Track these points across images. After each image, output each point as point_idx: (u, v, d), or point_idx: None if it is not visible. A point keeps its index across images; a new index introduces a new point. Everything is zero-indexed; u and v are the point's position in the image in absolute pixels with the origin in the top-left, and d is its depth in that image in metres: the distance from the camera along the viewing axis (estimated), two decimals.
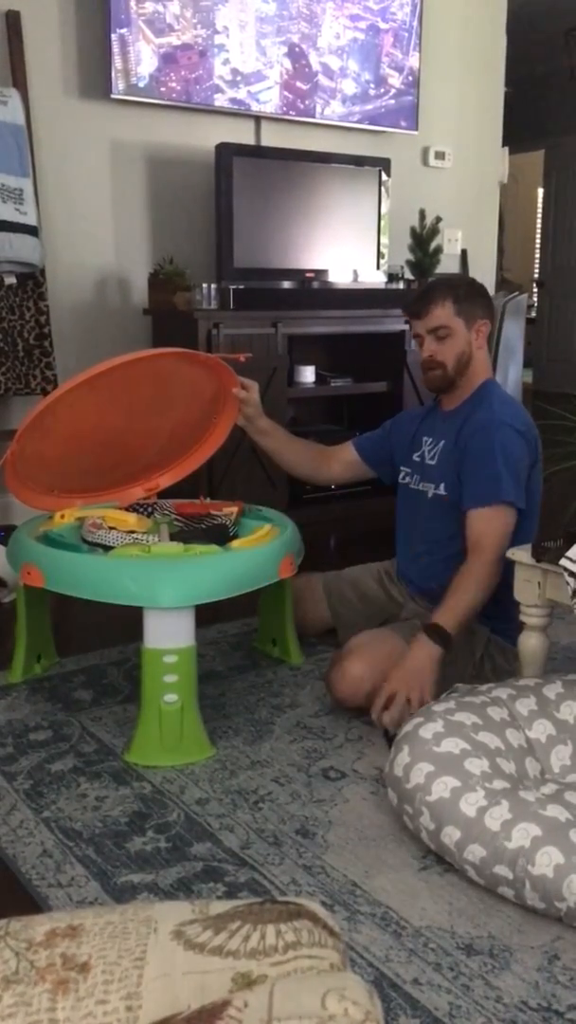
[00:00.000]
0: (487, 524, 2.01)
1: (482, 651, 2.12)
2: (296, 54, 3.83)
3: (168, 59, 3.50)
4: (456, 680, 2.03)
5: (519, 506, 2.04)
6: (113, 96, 3.43)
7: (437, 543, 2.17)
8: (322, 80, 3.95)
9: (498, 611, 2.10)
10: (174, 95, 3.56)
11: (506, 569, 2.05)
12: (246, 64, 3.72)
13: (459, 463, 2.10)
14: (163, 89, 3.52)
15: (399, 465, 2.32)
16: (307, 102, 3.93)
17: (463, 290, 2.17)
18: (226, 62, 3.67)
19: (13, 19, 3.27)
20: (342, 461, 2.43)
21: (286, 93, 3.84)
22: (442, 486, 2.15)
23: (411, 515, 2.26)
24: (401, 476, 2.31)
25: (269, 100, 3.82)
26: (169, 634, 1.83)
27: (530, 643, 2.05)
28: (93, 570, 1.86)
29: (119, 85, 3.42)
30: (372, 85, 4.11)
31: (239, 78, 3.71)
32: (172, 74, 3.52)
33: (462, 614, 1.95)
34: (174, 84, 3.54)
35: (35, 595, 2.16)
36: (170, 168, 3.72)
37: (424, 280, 4.07)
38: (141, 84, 3.47)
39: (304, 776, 1.81)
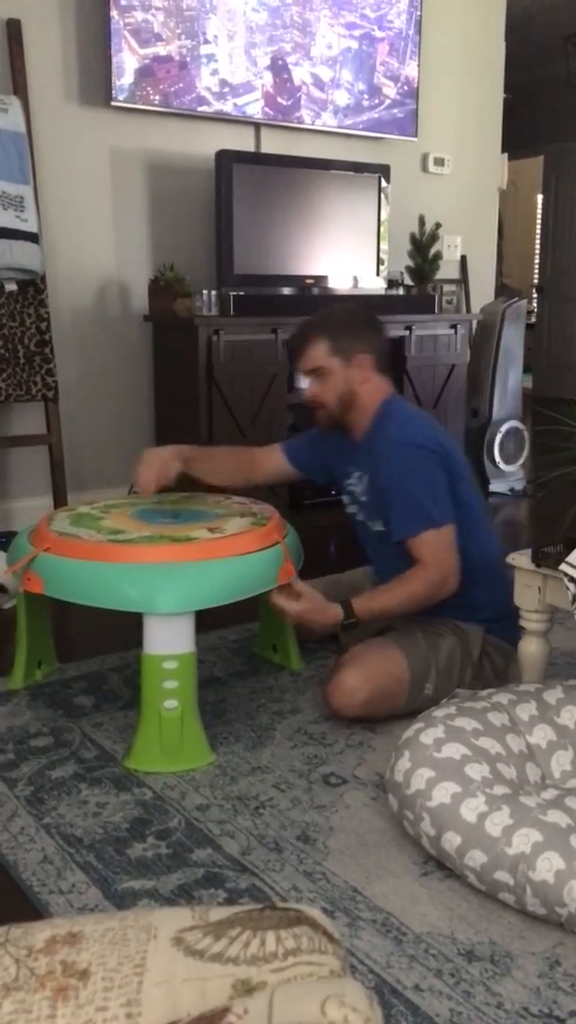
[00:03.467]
0: (426, 549, 1.98)
1: (479, 651, 2.11)
2: (278, 67, 3.80)
3: (145, 72, 3.48)
4: (459, 681, 2.04)
5: (448, 521, 1.99)
6: (113, 104, 3.45)
7: (401, 558, 2.10)
8: (313, 91, 3.93)
9: (490, 611, 2.11)
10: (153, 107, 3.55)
11: (486, 568, 2.09)
12: (235, 75, 3.71)
13: (382, 495, 2.05)
14: (140, 103, 3.51)
15: (339, 482, 2.27)
16: (295, 115, 3.91)
17: (338, 327, 2.10)
18: (214, 73, 3.65)
19: (14, 27, 3.28)
20: (270, 467, 2.35)
21: (267, 109, 3.83)
22: (380, 523, 2.09)
23: (371, 546, 2.23)
24: (345, 505, 2.26)
25: (254, 114, 3.80)
26: (169, 640, 1.83)
27: (530, 648, 2.06)
28: (93, 576, 1.86)
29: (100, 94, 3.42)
30: (366, 95, 4.11)
31: (227, 89, 3.69)
32: (149, 88, 3.50)
33: (377, 610, 2.01)
34: (154, 97, 3.52)
35: (35, 601, 2.16)
36: (170, 175, 3.73)
37: (424, 287, 4.08)
38: (121, 96, 3.47)
39: (305, 782, 1.81)
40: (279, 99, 3.83)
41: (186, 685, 1.85)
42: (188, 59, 3.58)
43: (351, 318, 2.15)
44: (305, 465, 2.34)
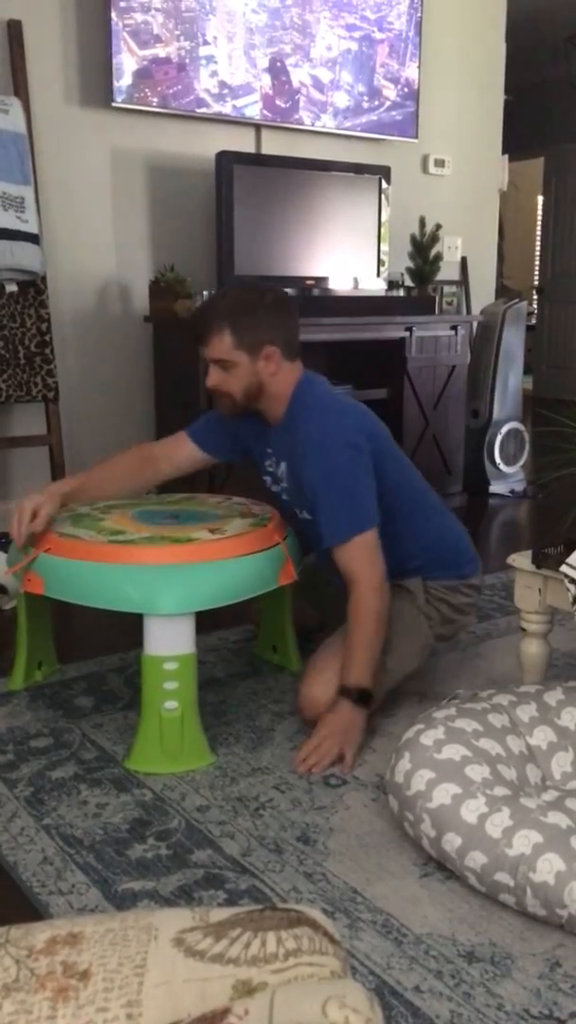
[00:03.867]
0: (351, 558, 1.93)
1: (424, 598, 2.12)
2: (277, 69, 3.79)
3: (143, 73, 3.47)
4: (415, 633, 2.08)
5: (375, 523, 1.95)
6: (113, 105, 3.45)
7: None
8: (313, 93, 3.93)
9: (430, 556, 2.14)
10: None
11: (429, 513, 2.15)
12: (234, 76, 3.71)
13: (306, 492, 2.00)
14: (138, 105, 3.50)
15: (256, 462, 2.21)
16: (294, 117, 3.91)
17: (245, 318, 1.95)
18: (213, 74, 3.65)
19: (15, 28, 3.28)
20: (177, 459, 2.22)
21: (266, 111, 3.82)
22: (305, 512, 2.05)
23: (299, 529, 2.13)
24: (267, 484, 2.20)
25: (253, 116, 3.80)
26: (170, 641, 1.83)
27: (531, 649, 2.06)
28: (93, 577, 1.86)
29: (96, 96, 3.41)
30: (365, 97, 4.11)
31: (226, 91, 3.69)
32: (147, 89, 3.50)
33: (370, 661, 1.92)
34: (152, 98, 3.52)
35: (35, 602, 2.16)
36: (171, 176, 3.73)
37: (424, 289, 4.08)
38: (119, 98, 3.46)
39: (305, 783, 1.81)
40: (277, 101, 3.83)
41: (186, 686, 1.85)
42: (187, 60, 3.57)
43: (258, 306, 1.97)
44: (217, 448, 2.23)
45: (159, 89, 3.52)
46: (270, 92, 3.80)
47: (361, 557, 1.93)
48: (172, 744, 1.85)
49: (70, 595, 1.89)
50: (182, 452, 2.22)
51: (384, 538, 1.98)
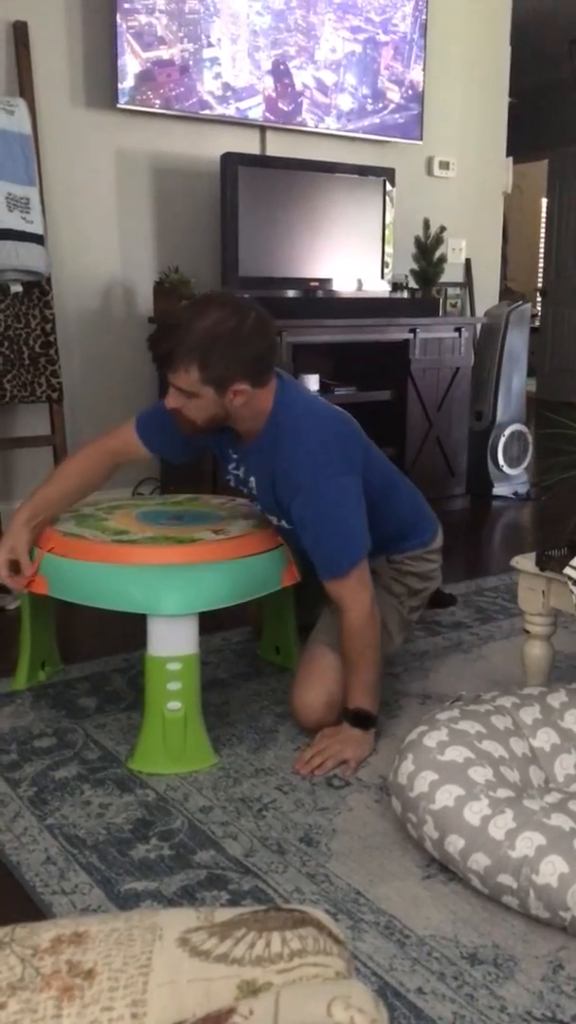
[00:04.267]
0: (345, 587, 1.90)
1: (389, 578, 2.13)
2: (280, 72, 3.79)
3: (145, 76, 3.47)
4: (389, 612, 2.09)
5: (368, 545, 1.93)
6: (118, 106, 3.46)
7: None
8: (317, 96, 3.92)
9: (394, 531, 2.13)
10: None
11: (401, 500, 2.15)
12: (238, 79, 3.70)
13: (295, 521, 1.93)
14: (141, 106, 3.50)
15: (216, 458, 2.14)
16: (297, 120, 3.91)
17: (214, 354, 1.76)
18: (217, 76, 3.64)
19: (20, 29, 3.29)
20: (129, 453, 2.09)
21: (268, 113, 3.82)
22: (284, 522, 1.99)
23: (274, 528, 2.06)
24: (231, 482, 2.11)
25: (256, 118, 3.79)
26: (173, 641, 1.83)
27: (534, 651, 2.06)
28: (97, 577, 1.86)
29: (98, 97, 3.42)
30: (369, 100, 4.11)
31: (229, 93, 3.69)
32: (149, 92, 3.50)
33: (369, 684, 1.92)
34: (154, 100, 3.51)
35: (39, 602, 2.16)
36: (175, 177, 3.74)
37: (428, 291, 4.08)
38: (122, 100, 3.46)
39: (308, 784, 1.81)
40: (280, 104, 3.83)
41: (189, 687, 1.85)
42: (191, 62, 3.58)
43: (233, 339, 1.77)
44: (164, 449, 2.12)
45: (161, 91, 3.52)
46: (273, 95, 3.80)
47: (353, 586, 1.91)
48: (175, 745, 1.85)
49: (74, 595, 1.89)
50: (131, 447, 2.07)
51: (374, 538, 1.98)
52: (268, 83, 3.78)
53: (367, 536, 1.94)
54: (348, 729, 1.90)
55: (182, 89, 3.57)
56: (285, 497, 1.92)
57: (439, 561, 2.25)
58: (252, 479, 2.01)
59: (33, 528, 1.98)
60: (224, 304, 1.81)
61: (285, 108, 3.84)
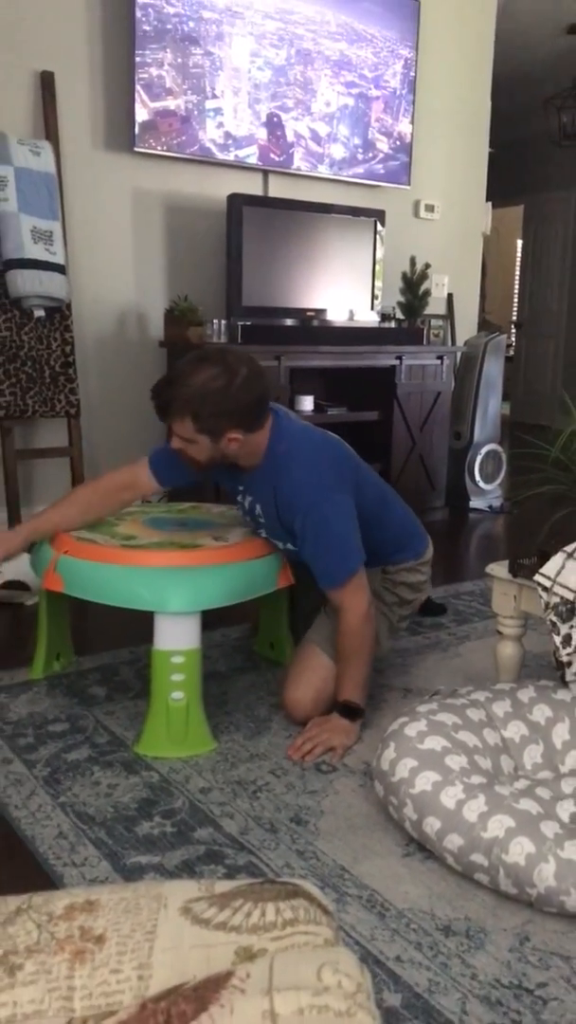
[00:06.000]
0: (343, 594, 1.90)
1: (380, 586, 2.11)
2: (273, 124, 3.77)
3: (148, 125, 3.47)
4: (379, 620, 2.06)
5: (363, 558, 1.92)
6: (135, 150, 3.47)
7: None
8: (311, 145, 3.92)
9: (390, 547, 2.12)
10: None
11: (395, 516, 2.12)
12: (239, 128, 3.69)
13: (296, 537, 1.93)
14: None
15: (225, 488, 2.12)
16: (291, 168, 3.90)
17: (206, 408, 1.77)
18: (220, 125, 3.64)
19: (47, 78, 3.30)
20: (140, 488, 2.06)
21: (259, 162, 3.80)
22: (289, 544, 1.99)
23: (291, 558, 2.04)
24: (239, 512, 2.11)
25: (253, 165, 3.78)
26: (177, 637, 1.83)
27: (506, 651, 2.06)
28: (109, 577, 1.86)
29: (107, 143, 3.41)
30: (360, 150, 4.12)
31: (230, 141, 3.68)
32: (152, 140, 3.49)
33: (360, 680, 1.91)
34: (156, 148, 3.50)
35: (55, 599, 2.16)
36: (186, 215, 3.75)
37: (413, 321, 4.09)
38: (138, 144, 3.45)
39: (298, 769, 1.81)
40: (272, 154, 3.82)
41: (192, 678, 1.85)
42: (195, 112, 3.57)
43: (223, 394, 1.78)
44: (176, 481, 2.08)
45: (163, 139, 3.51)
46: (266, 144, 3.80)
47: (350, 592, 1.91)
48: (178, 731, 1.85)
49: (87, 593, 1.89)
50: (142, 482, 2.05)
51: (370, 549, 1.97)
52: (262, 134, 3.78)
53: (361, 549, 1.93)
54: (337, 719, 1.90)
55: (184, 137, 3.56)
56: (287, 518, 1.93)
57: (429, 573, 2.24)
58: (257, 506, 2.00)
59: (29, 538, 2.02)
60: (216, 362, 1.81)
61: (276, 157, 3.84)
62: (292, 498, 1.89)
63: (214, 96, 3.62)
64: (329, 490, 1.89)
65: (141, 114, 3.45)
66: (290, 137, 3.85)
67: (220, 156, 3.67)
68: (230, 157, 3.70)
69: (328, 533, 1.89)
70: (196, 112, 3.57)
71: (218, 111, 3.63)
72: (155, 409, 1.85)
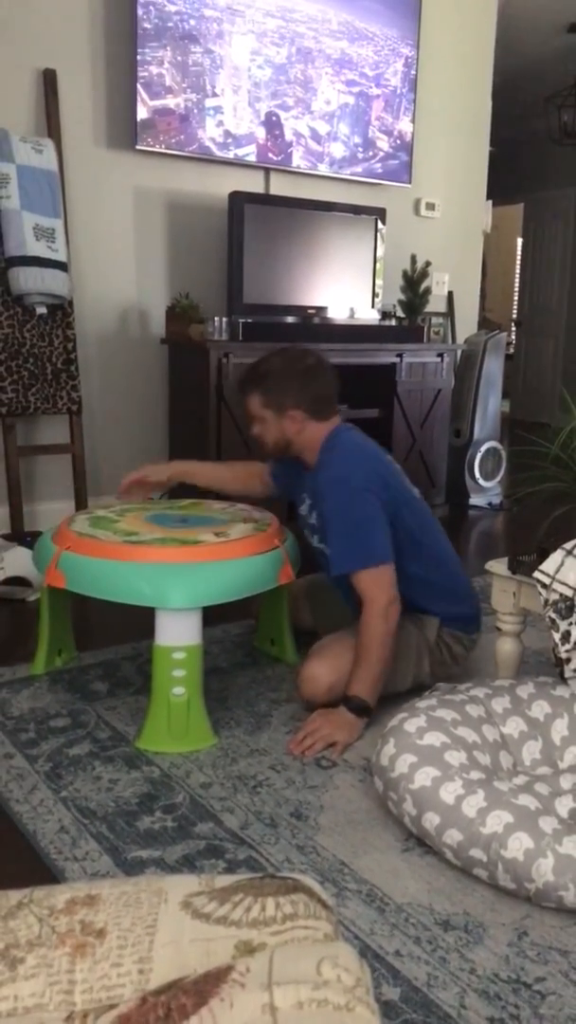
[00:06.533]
0: (365, 586, 1.91)
1: (436, 636, 2.09)
2: (271, 123, 3.75)
3: (147, 124, 3.45)
4: (416, 667, 2.06)
5: (385, 560, 1.92)
6: (137, 148, 3.46)
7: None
8: (311, 144, 3.90)
9: (444, 604, 2.10)
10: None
11: (445, 564, 2.10)
12: (239, 127, 3.68)
13: (325, 525, 2.00)
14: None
15: (297, 505, 2.21)
16: (291, 166, 3.88)
17: (271, 381, 2.02)
18: (220, 124, 3.61)
19: (49, 76, 3.29)
20: (264, 483, 2.32)
21: (257, 161, 3.79)
22: (324, 545, 2.03)
23: (326, 573, 2.08)
24: (300, 525, 2.19)
25: (253, 163, 3.77)
26: (178, 632, 1.83)
27: (505, 647, 2.06)
28: (110, 573, 1.86)
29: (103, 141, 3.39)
30: (360, 149, 4.11)
31: (230, 140, 3.66)
32: (150, 139, 3.47)
33: (372, 678, 1.89)
34: (154, 147, 3.49)
35: (57, 595, 2.16)
36: (187, 213, 3.74)
37: (414, 319, 4.09)
38: (139, 142, 3.43)
39: (299, 764, 1.81)
40: (270, 154, 3.81)
41: (193, 674, 1.85)
42: (195, 111, 3.55)
43: (287, 374, 2.03)
44: (281, 485, 2.29)
45: (161, 138, 3.50)
46: (264, 144, 3.78)
47: (371, 586, 1.90)
48: (179, 726, 1.85)
49: (89, 589, 1.89)
50: (265, 479, 2.31)
51: (406, 576, 1.97)
52: (261, 133, 3.77)
53: (384, 549, 1.92)
54: (344, 713, 1.89)
55: (182, 137, 3.54)
56: (320, 508, 1.99)
57: (470, 652, 2.18)
58: (313, 513, 2.07)
59: (174, 475, 2.30)
60: (289, 351, 2.10)
61: (275, 157, 3.83)
62: (323, 488, 1.97)
63: (214, 94, 3.61)
64: (354, 484, 1.95)
65: (141, 112, 3.44)
66: (289, 136, 3.84)
67: (219, 155, 3.66)
68: (229, 156, 3.70)
69: (344, 519, 1.92)
70: (196, 111, 3.56)
71: (218, 109, 3.62)
72: (239, 390, 2.11)
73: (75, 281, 3.38)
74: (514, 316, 8.54)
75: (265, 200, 3.76)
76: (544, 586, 1.75)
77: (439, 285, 4.67)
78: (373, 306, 4.04)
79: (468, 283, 4.90)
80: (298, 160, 3.90)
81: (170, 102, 3.49)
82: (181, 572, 1.84)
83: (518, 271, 8.45)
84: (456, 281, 4.80)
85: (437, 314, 4.38)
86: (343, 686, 1.93)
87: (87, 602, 2.01)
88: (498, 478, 4.49)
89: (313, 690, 1.95)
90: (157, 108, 3.47)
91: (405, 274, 4.08)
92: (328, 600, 2.32)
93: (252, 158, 3.77)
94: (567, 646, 1.72)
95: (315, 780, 1.75)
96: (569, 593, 1.72)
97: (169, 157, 3.61)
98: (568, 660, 1.73)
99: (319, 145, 3.95)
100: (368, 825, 1.60)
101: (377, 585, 1.90)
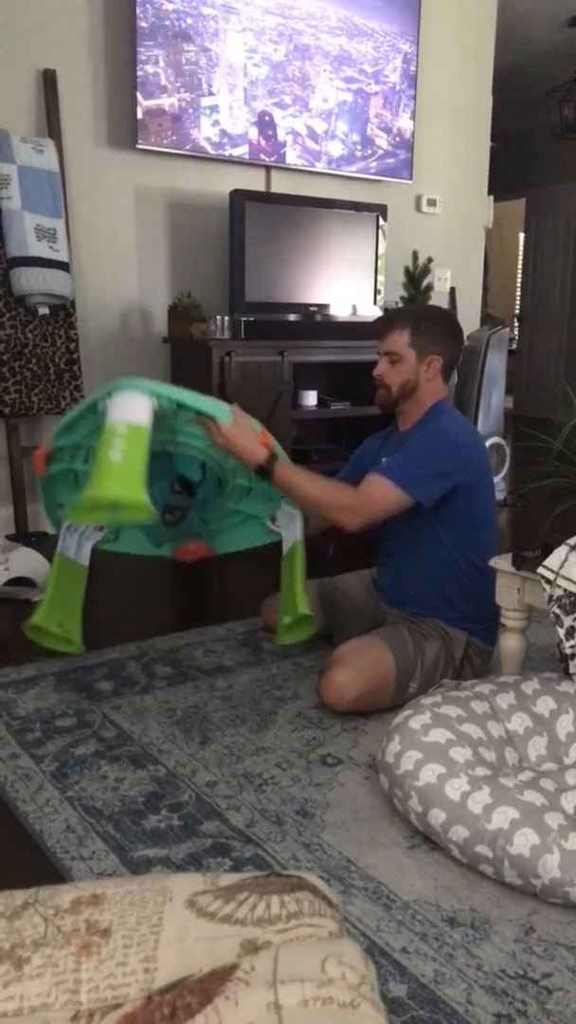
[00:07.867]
0: (375, 488, 1.95)
1: (462, 655, 2.09)
2: (264, 123, 3.72)
3: (143, 124, 3.43)
4: (436, 683, 2.03)
5: (416, 499, 1.96)
6: (137, 147, 3.46)
7: (404, 550, 2.13)
8: (308, 143, 3.89)
9: (477, 616, 2.09)
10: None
11: (480, 576, 2.06)
12: (235, 126, 3.66)
13: None
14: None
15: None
16: (287, 165, 3.88)
17: (425, 323, 2.06)
18: (215, 123, 3.60)
19: (50, 76, 3.29)
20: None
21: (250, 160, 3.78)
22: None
23: (381, 528, 2.13)
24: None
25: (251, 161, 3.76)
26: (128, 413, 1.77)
27: (510, 644, 2.05)
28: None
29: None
30: (358, 147, 4.09)
31: (226, 139, 3.65)
32: (141, 140, 3.45)
33: (291, 481, 1.95)
34: (156, 148, 3.48)
35: (67, 568, 2.14)
36: (189, 211, 3.74)
37: None
38: (140, 142, 3.43)
39: (304, 762, 1.81)
40: (262, 155, 3.79)
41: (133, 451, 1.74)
42: (189, 110, 3.54)
43: (438, 321, 2.10)
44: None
45: (152, 139, 3.48)
46: (257, 144, 3.76)
47: (379, 494, 1.95)
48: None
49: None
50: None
51: (463, 558, 2.02)
52: (253, 133, 3.75)
53: (421, 491, 1.95)
54: (254, 442, 1.93)
55: (175, 137, 3.52)
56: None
57: (485, 666, 2.16)
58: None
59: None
60: (429, 307, 2.22)
61: (267, 157, 3.81)
62: (419, 434, 2.03)
63: (210, 93, 3.60)
64: (454, 442, 1.99)
65: (141, 111, 3.43)
66: (282, 136, 3.82)
67: (213, 154, 3.65)
68: (225, 155, 3.69)
69: (417, 448, 1.99)
70: (191, 110, 3.56)
71: (214, 108, 3.61)
72: (374, 326, 2.11)
73: (77, 281, 3.38)
74: (517, 312, 8.52)
75: (266, 198, 3.76)
76: (548, 582, 1.75)
77: (441, 281, 4.66)
78: (375, 303, 4.04)
79: (470, 279, 4.89)
80: (293, 159, 3.88)
81: (164, 102, 3.48)
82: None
83: (520, 266, 8.43)
84: (458, 277, 4.79)
85: (430, 307, 4.37)
86: (369, 698, 1.93)
87: (94, 602, 2.00)
88: (502, 474, 4.48)
89: (338, 697, 1.93)
90: (151, 108, 3.46)
91: (407, 271, 4.08)
92: (344, 605, 2.31)
93: (246, 158, 3.75)
94: (572, 641, 1.72)
95: (321, 778, 1.75)
96: (573, 589, 1.71)
97: (170, 156, 3.61)
98: (573, 656, 1.73)
99: (316, 144, 3.94)
100: (374, 822, 1.60)
101: (374, 494, 1.94)
